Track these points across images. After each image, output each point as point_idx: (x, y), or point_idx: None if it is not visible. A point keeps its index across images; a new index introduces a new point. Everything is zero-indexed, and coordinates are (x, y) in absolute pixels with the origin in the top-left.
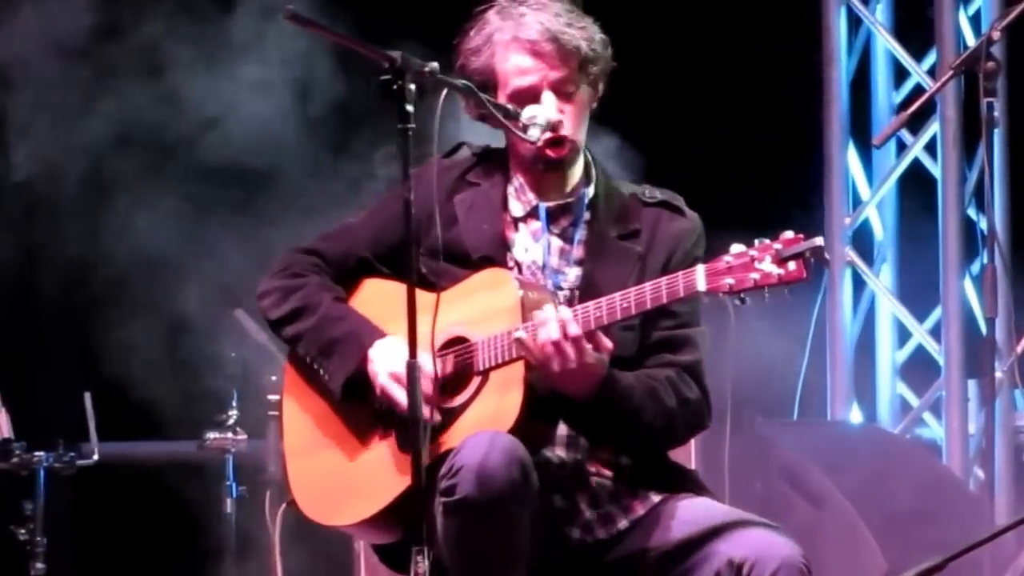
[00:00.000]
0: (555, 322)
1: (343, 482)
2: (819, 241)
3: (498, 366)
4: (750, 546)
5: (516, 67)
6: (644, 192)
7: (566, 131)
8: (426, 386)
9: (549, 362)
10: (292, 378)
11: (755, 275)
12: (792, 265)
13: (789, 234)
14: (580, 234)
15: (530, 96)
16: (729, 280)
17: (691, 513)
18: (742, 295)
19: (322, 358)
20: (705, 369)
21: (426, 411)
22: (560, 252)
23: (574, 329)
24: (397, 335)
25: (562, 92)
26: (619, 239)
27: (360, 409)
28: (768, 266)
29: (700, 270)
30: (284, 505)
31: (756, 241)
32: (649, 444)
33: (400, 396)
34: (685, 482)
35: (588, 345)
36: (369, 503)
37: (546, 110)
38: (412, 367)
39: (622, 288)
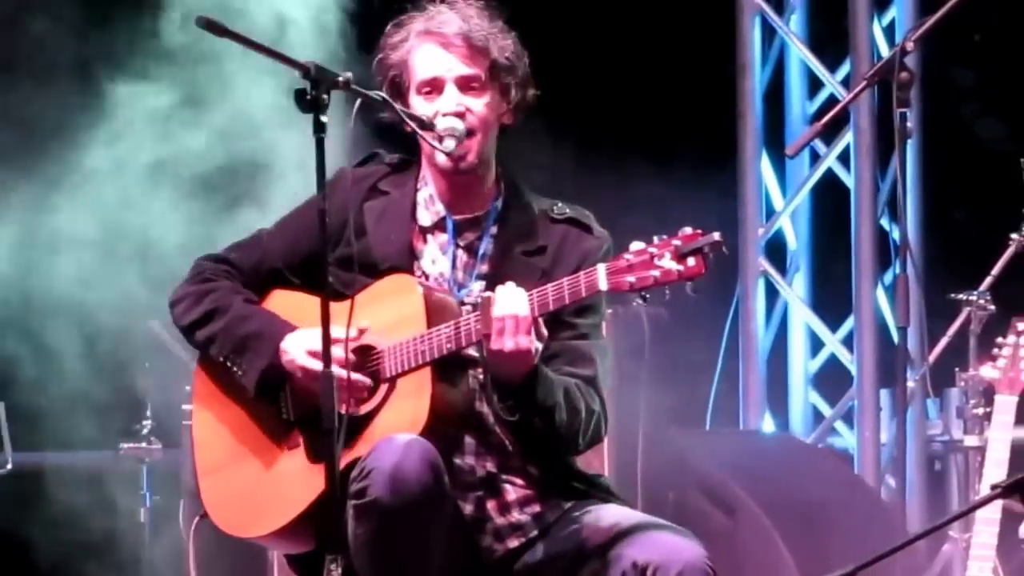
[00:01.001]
0: (513, 299)
1: (255, 493)
2: (716, 236)
3: (405, 373)
4: (654, 549)
5: (424, 58)
6: (554, 208)
7: (470, 123)
8: (340, 372)
9: (501, 335)
10: (203, 388)
11: (655, 272)
12: (692, 261)
13: (687, 230)
14: (486, 248)
15: (434, 86)
16: (630, 278)
17: (599, 519)
18: (643, 292)
19: (235, 356)
20: (602, 384)
21: (354, 403)
22: (465, 266)
23: (524, 309)
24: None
25: (466, 87)
26: (524, 255)
27: (272, 419)
28: (668, 262)
29: (601, 269)
30: (197, 519)
31: (655, 238)
32: (557, 442)
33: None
34: (594, 489)
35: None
36: (281, 513)
37: (450, 105)
38: (326, 377)
39: None
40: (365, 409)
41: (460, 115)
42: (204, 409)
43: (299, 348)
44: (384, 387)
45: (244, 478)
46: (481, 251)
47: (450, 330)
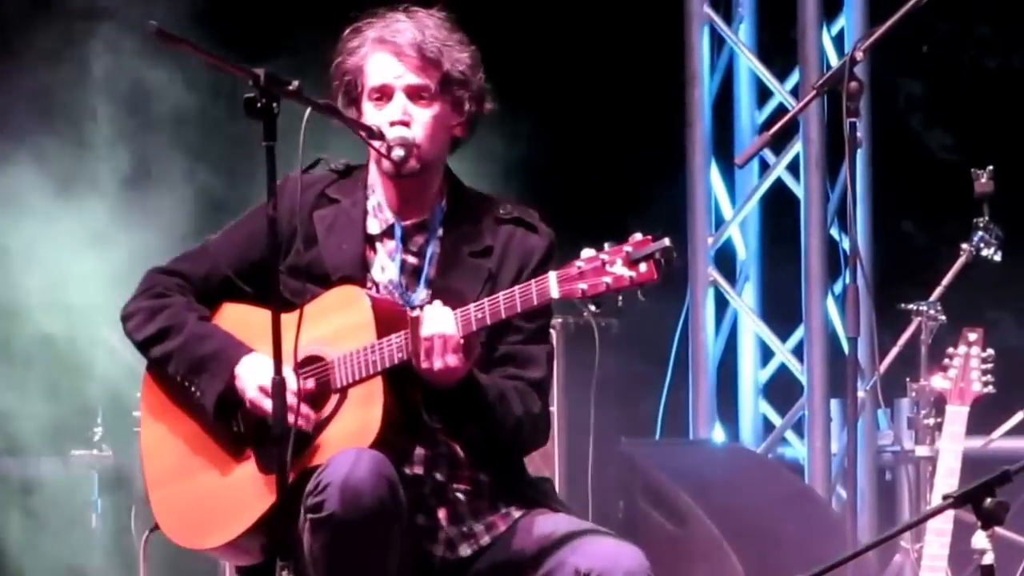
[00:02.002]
0: (439, 320)
1: (206, 505)
2: (667, 242)
3: (356, 383)
4: (596, 557)
5: (377, 64)
6: (499, 208)
7: (414, 133)
8: (291, 399)
9: (428, 356)
10: (152, 398)
11: (607, 279)
12: (643, 267)
13: (638, 236)
14: (432, 251)
15: (383, 93)
16: (582, 285)
17: (546, 527)
18: (595, 300)
19: (192, 376)
20: (547, 388)
21: (303, 421)
22: (412, 271)
23: (451, 328)
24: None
25: (415, 97)
26: (471, 256)
27: (222, 431)
28: (620, 269)
29: (552, 277)
30: (148, 532)
31: (606, 245)
32: (494, 444)
33: (269, 407)
34: (543, 496)
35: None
36: (233, 525)
37: (395, 114)
38: (278, 384)
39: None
40: (316, 421)
41: (405, 123)
42: (153, 420)
43: (251, 380)
44: (335, 397)
45: (195, 490)
46: (428, 254)
47: (400, 340)
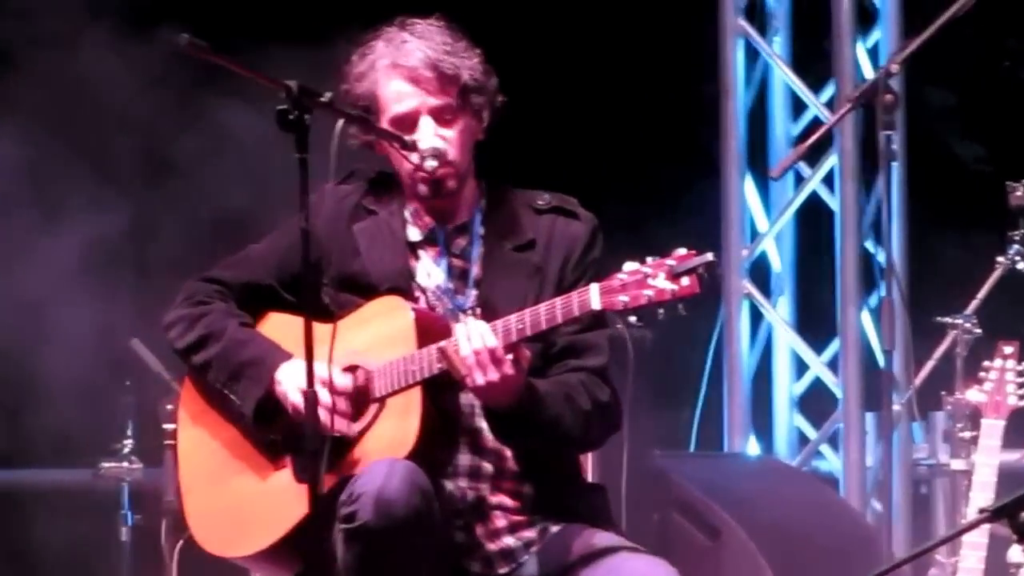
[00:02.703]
0: (476, 334)
1: (240, 513)
2: (710, 256)
3: (395, 392)
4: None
5: (395, 93)
6: (537, 199)
7: (448, 155)
8: (338, 402)
9: (471, 373)
10: (191, 405)
11: (649, 292)
12: (685, 280)
13: (681, 250)
14: (477, 252)
15: (409, 122)
16: (624, 297)
17: (580, 545)
18: (636, 313)
19: (232, 382)
20: (610, 371)
21: (342, 424)
22: (460, 273)
23: (492, 341)
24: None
25: (441, 119)
26: (515, 251)
27: (260, 438)
28: (662, 282)
29: (594, 289)
30: (181, 542)
31: (648, 258)
32: (568, 447)
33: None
34: (590, 509)
35: (508, 356)
36: (266, 534)
37: (429, 138)
38: (309, 397)
39: (521, 303)
40: (355, 429)
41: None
42: (191, 426)
43: (291, 383)
44: (374, 407)
45: (229, 497)
46: (473, 255)
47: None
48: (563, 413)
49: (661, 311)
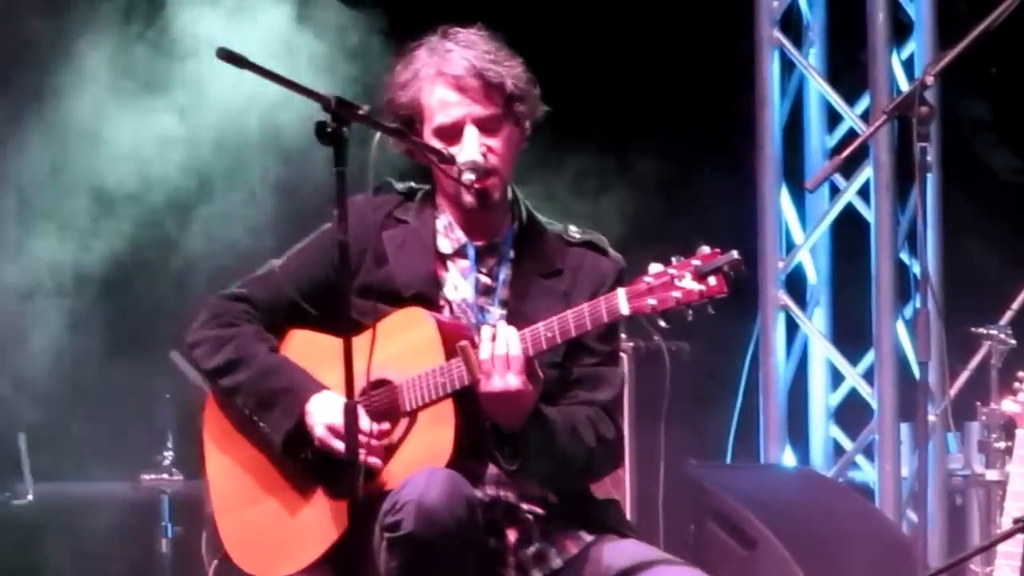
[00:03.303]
0: (501, 338)
1: (275, 533)
2: (735, 254)
3: (425, 405)
4: None
5: (440, 102)
6: (568, 231)
7: (492, 163)
8: (362, 438)
9: (487, 375)
10: (216, 425)
11: (677, 293)
12: (712, 280)
13: (706, 249)
14: (505, 273)
15: (454, 131)
16: (651, 300)
17: (616, 556)
18: (665, 315)
19: (261, 411)
20: (619, 409)
21: (374, 461)
22: (486, 290)
23: (516, 348)
24: (331, 386)
25: (485, 128)
26: (543, 277)
27: (291, 460)
28: (689, 283)
29: (621, 293)
30: (217, 562)
31: (673, 259)
32: (568, 479)
33: (338, 446)
34: (611, 520)
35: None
36: (305, 553)
37: (472, 152)
38: (350, 409)
39: None
40: (385, 443)
41: (483, 156)
42: (218, 447)
43: (320, 420)
44: (404, 421)
45: (264, 518)
46: (501, 277)
47: None
48: (567, 443)
49: (690, 313)
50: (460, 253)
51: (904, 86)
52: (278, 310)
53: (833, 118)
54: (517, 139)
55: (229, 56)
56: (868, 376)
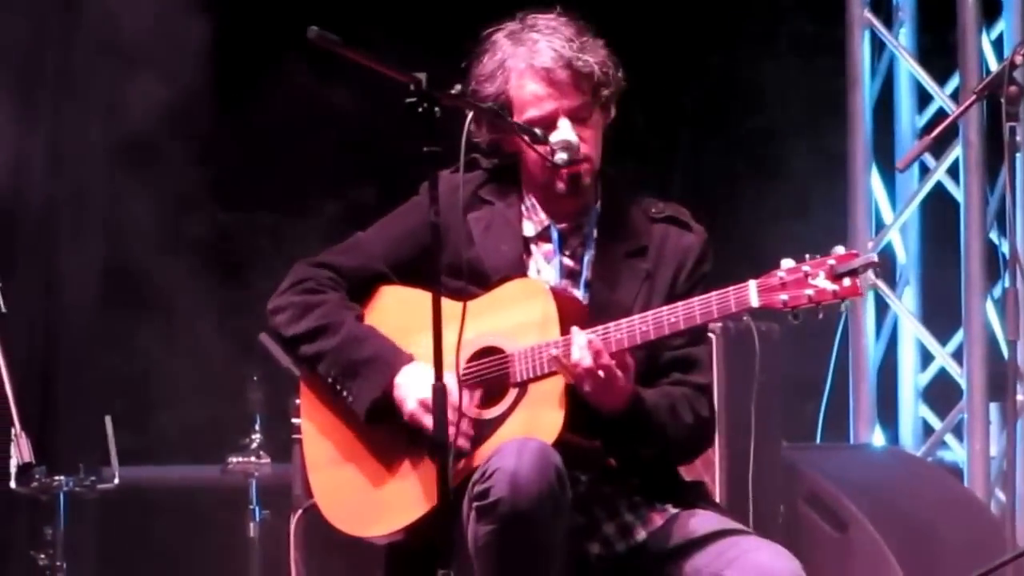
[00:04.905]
0: (586, 348)
1: (372, 493)
2: (875, 258)
3: (536, 379)
4: (752, 571)
5: (532, 95)
6: (651, 207)
7: (585, 152)
8: (451, 414)
9: (582, 381)
10: (311, 395)
11: (810, 291)
12: (847, 281)
13: (841, 250)
14: (590, 254)
15: (546, 124)
16: (783, 296)
17: (701, 527)
18: (796, 311)
19: (345, 379)
20: (712, 390)
21: (463, 442)
22: (570, 273)
23: (605, 356)
24: (422, 356)
25: (577, 118)
26: (627, 256)
27: (387, 423)
28: (823, 282)
29: (752, 286)
30: (300, 512)
31: (807, 256)
32: (668, 459)
33: (429, 424)
34: (697, 498)
35: (615, 363)
36: (397, 516)
37: (567, 132)
38: (438, 391)
39: (629, 309)
40: (493, 413)
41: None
42: (315, 413)
43: (411, 392)
44: (513, 392)
45: (361, 475)
46: (585, 258)
47: None
48: (667, 424)
49: (820, 312)
50: (543, 236)
51: (993, 66)
52: (364, 279)
53: (923, 98)
54: (604, 123)
55: (321, 39)
56: (957, 356)
